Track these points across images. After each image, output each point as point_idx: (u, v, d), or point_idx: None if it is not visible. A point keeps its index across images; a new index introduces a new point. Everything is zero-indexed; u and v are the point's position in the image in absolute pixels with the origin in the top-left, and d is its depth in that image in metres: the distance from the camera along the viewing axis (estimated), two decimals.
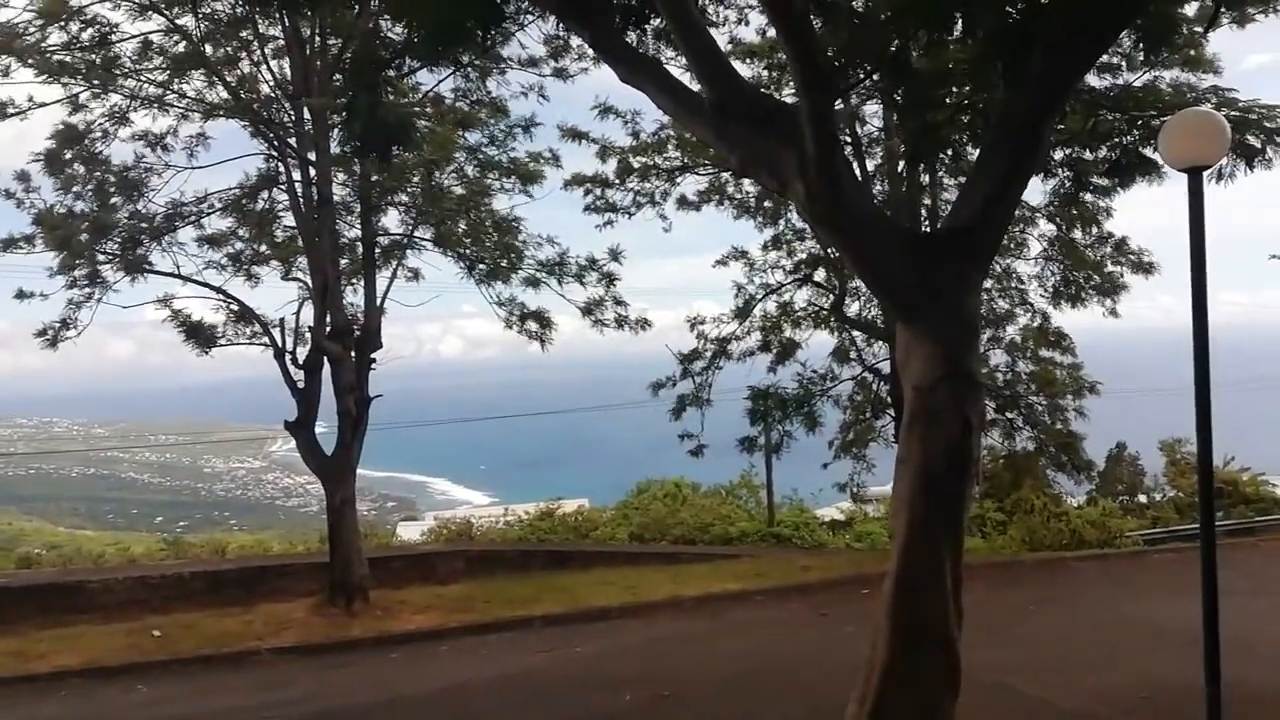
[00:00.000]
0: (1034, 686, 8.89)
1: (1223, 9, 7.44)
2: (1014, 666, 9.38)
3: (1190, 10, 8.96)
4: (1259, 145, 8.81)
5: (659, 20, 6.78)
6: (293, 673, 11.34)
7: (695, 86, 6.36)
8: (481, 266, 15.18)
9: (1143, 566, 16.72)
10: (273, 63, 14.27)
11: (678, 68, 8.71)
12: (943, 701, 5.49)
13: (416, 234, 15.18)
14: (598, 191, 17.62)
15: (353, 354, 14.10)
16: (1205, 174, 6.32)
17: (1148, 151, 9.18)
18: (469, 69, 14.39)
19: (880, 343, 18.06)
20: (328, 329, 13.82)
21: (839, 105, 14.38)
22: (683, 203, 18.16)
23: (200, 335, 14.40)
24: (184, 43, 13.50)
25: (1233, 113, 8.91)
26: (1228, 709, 5.83)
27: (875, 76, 8.16)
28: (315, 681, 10.96)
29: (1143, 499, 24.08)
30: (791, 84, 10.35)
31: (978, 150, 7.33)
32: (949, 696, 5.49)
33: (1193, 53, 12.70)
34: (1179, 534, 19.66)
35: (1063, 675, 9.35)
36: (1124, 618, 12.16)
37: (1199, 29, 9.77)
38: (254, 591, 14.70)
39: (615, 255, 15.45)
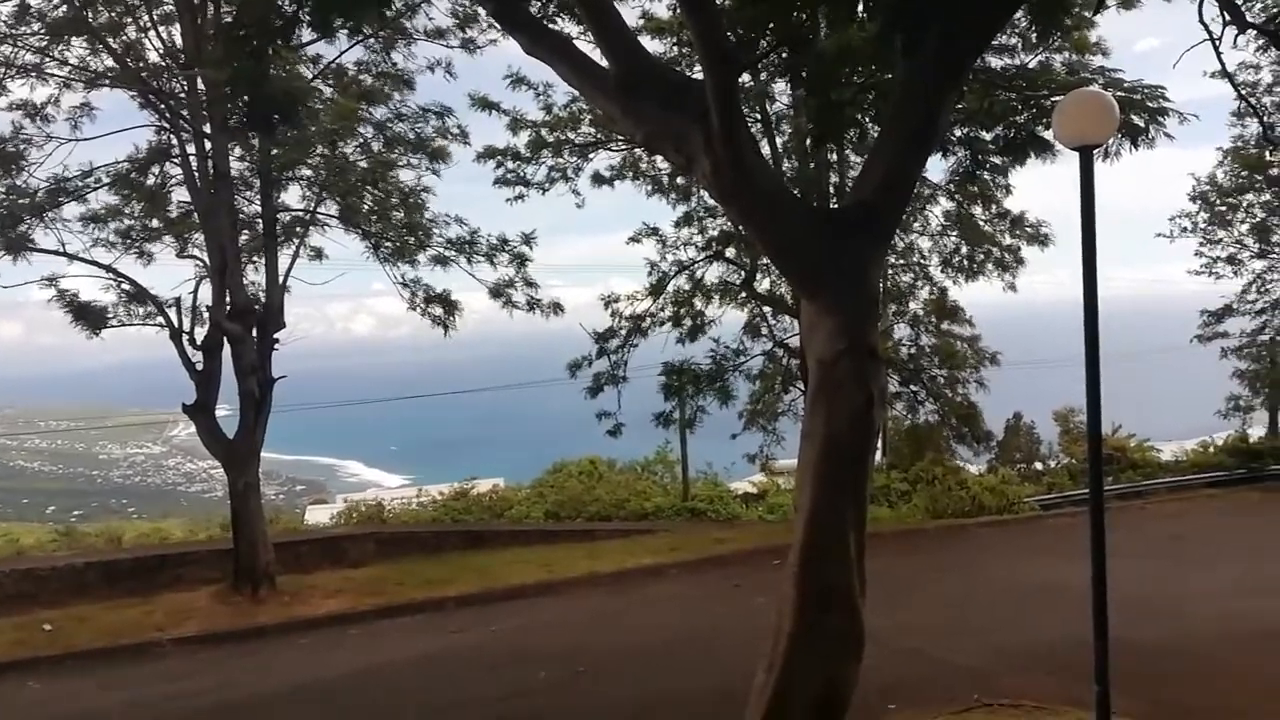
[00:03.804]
0: (936, 648, 9.25)
1: None
2: (917, 629, 9.74)
3: None
4: (1143, 125, 9.17)
5: None
6: (197, 663, 11.01)
7: (603, 62, 6.29)
8: (387, 245, 14.85)
9: (1039, 531, 17.51)
10: (162, 29, 13.59)
11: (586, 43, 8.61)
12: (847, 666, 5.64)
13: (319, 210, 14.74)
14: (509, 164, 17.35)
15: (254, 334, 13.66)
16: (1095, 152, 6.56)
17: (1041, 130, 9.48)
18: (372, 39, 13.98)
19: (789, 317, 18.33)
20: (227, 308, 13.35)
21: (747, 82, 14.49)
22: (596, 179, 18.03)
23: (89, 316, 13.69)
24: (64, 7, 12.75)
25: (1119, 93, 9.26)
26: (1114, 661, 6.14)
27: (780, 53, 8.23)
28: (221, 671, 10.67)
29: (1039, 466, 25.14)
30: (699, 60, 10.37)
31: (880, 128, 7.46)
32: (853, 661, 5.65)
33: (1077, 35, 13.15)
34: (1072, 499, 20.59)
35: (964, 636, 9.74)
36: (1021, 580, 12.72)
37: (1088, 13, 10.12)
38: (154, 581, 14.15)
39: (528, 239, 15.27)
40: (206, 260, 13.74)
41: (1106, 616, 6.20)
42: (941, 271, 18.61)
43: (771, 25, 6.99)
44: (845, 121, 8.87)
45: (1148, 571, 12.01)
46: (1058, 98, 7.38)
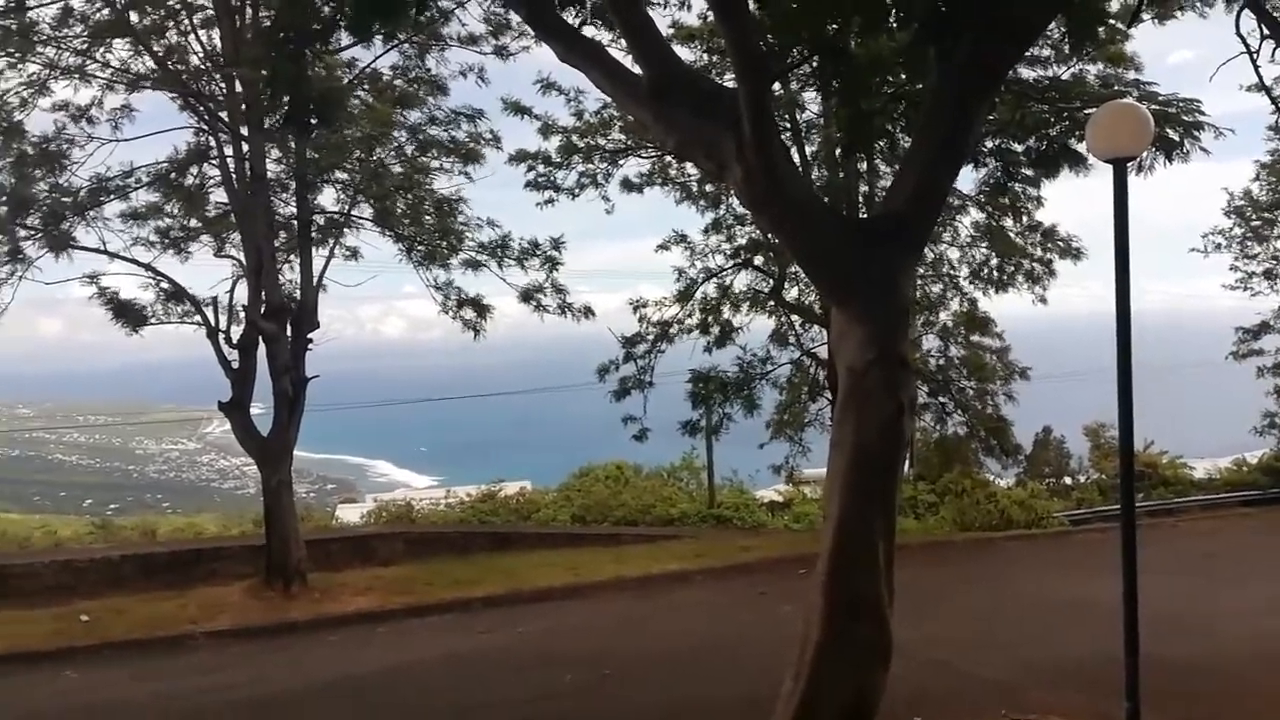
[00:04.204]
0: (964, 661, 9.18)
1: (1144, 4, 7.68)
2: (944, 642, 9.66)
3: (1115, 6, 9.23)
4: (1178, 139, 9.11)
5: None
6: (229, 656, 11.17)
7: (637, 69, 6.36)
8: (420, 248, 15.01)
9: (1068, 546, 17.30)
10: (201, 33, 13.86)
11: (619, 50, 8.70)
12: (875, 676, 5.64)
13: (354, 212, 14.94)
14: (540, 168, 17.49)
15: (289, 333, 13.86)
16: (1128, 165, 6.53)
17: (1074, 143, 9.43)
18: (406, 45, 14.17)
19: (817, 327, 18.29)
20: (263, 308, 13.55)
21: (778, 90, 14.52)
22: (626, 185, 18.12)
23: (129, 314, 13.97)
24: (106, 9, 13.05)
25: (1153, 106, 9.20)
26: (1145, 678, 6.10)
27: (812, 62, 8.25)
28: (253, 665, 10.83)
29: (1068, 481, 24.85)
30: (730, 68, 10.41)
31: (911, 139, 7.47)
32: (881, 671, 5.65)
33: (1115, 49, 13.07)
34: (1102, 514, 20.33)
35: (991, 650, 9.66)
36: (1050, 595, 12.58)
37: (1122, 25, 10.05)
38: (188, 575, 14.42)
39: (556, 244, 15.34)
40: (243, 260, 13.97)
41: (1137, 633, 6.17)
42: (971, 283, 18.48)
43: (803, 34, 7.02)
44: (875, 131, 8.89)
45: (1179, 589, 11.83)
46: (1091, 110, 7.36)
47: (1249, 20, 7.88)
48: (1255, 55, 8.18)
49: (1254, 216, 22.92)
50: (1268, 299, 23.24)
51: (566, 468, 24.96)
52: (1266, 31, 7.67)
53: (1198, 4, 7.38)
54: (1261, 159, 22.25)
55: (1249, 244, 23.20)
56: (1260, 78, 9.00)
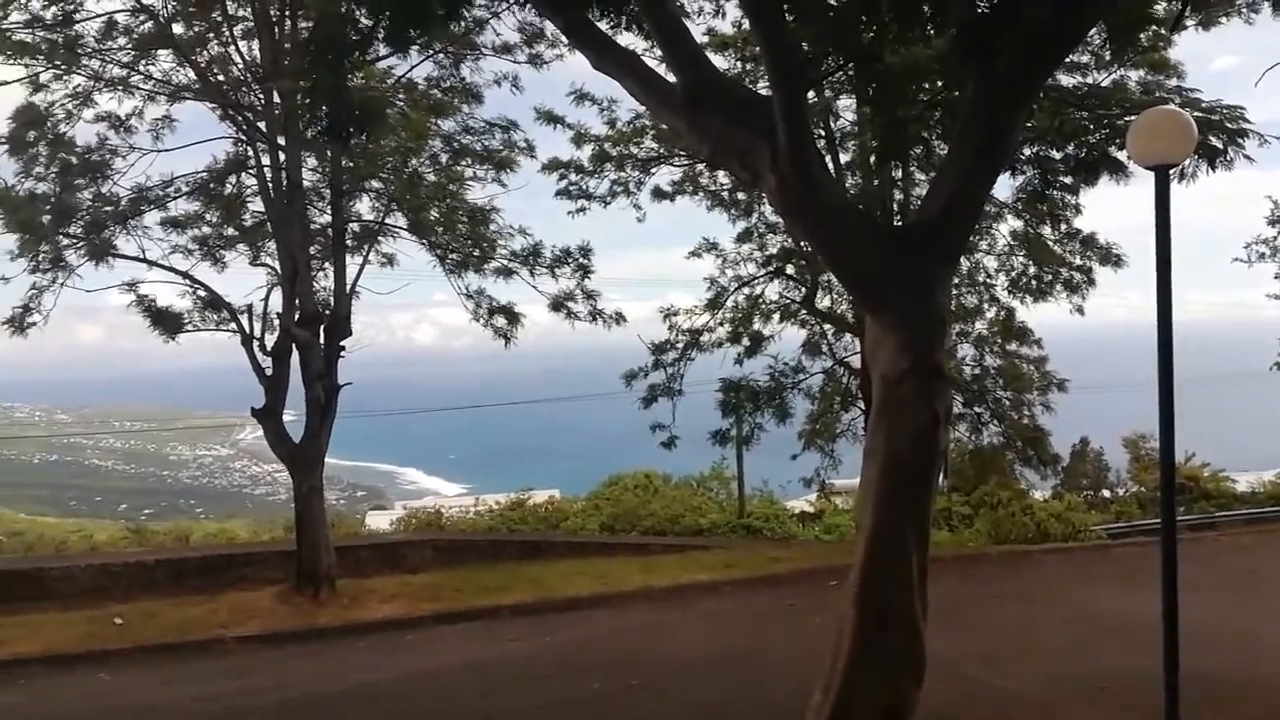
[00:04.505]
0: (998, 676, 9.02)
1: (1188, 10, 7.55)
2: (978, 656, 9.51)
3: (1159, 10, 9.08)
4: (1220, 146, 8.93)
5: (633, 6, 6.76)
6: (259, 661, 11.25)
7: (671, 77, 6.34)
8: (453, 256, 15.09)
9: (1106, 560, 16.99)
10: (241, 44, 14.06)
11: (653, 59, 8.69)
12: (907, 689, 5.55)
13: (389, 221, 15.06)
14: (573, 176, 17.54)
15: (322, 341, 13.97)
16: (1170, 173, 6.41)
17: (1113, 150, 9.29)
18: (441, 54, 14.27)
19: (850, 335, 18.15)
20: (297, 315, 13.68)
21: (813, 98, 14.44)
22: (657, 193, 18.13)
23: (167, 321, 14.17)
24: (150, 22, 13.27)
25: (1196, 113, 9.02)
26: (1184, 694, 5.95)
27: (847, 69, 8.20)
28: (281, 670, 10.89)
29: (1106, 494, 24.46)
30: (765, 76, 10.38)
31: (947, 146, 7.38)
32: (913, 685, 5.56)
33: (1157, 55, 12.86)
34: (1141, 528, 20.00)
35: (1026, 665, 9.49)
36: (1087, 609, 12.35)
37: (1165, 30, 9.90)
38: (219, 580, 14.56)
39: (585, 253, 15.34)
40: (278, 268, 14.12)
41: (1178, 651, 6.03)
42: (1008, 292, 18.23)
43: (839, 40, 6.98)
44: (911, 139, 8.81)
45: (1219, 604, 11.57)
46: (1131, 117, 7.24)
47: None
48: None
49: None
50: None
51: (596, 476, 24.96)
52: None
53: (1244, 10, 7.23)
54: None
55: None
56: None
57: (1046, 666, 9.40)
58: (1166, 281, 6.24)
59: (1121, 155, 9.27)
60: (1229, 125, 9.30)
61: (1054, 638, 10.81)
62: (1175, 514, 6.56)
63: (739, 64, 16.38)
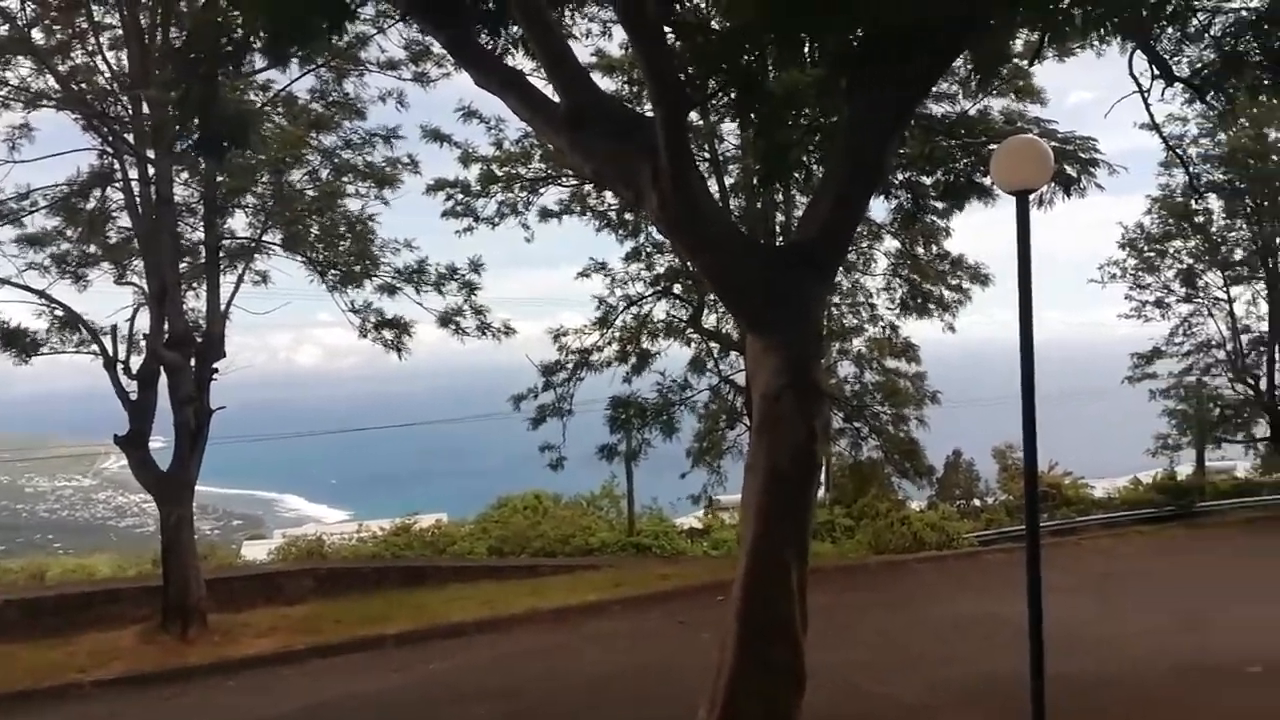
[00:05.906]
0: (877, 683, 9.28)
1: (1046, 44, 8.03)
2: (858, 664, 9.77)
3: (1019, 45, 9.65)
4: (1075, 175, 9.51)
5: (518, 27, 6.75)
6: (120, 706, 10.59)
7: (556, 98, 6.35)
8: (334, 272, 14.68)
9: (977, 566, 17.72)
10: (109, 53, 13.39)
11: (539, 79, 8.71)
12: (790, 700, 5.64)
13: (265, 237, 14.54)
14: (459, 196, 17.34)
15: (193, 364, 13.34)
16: (1030, 198, 6.78)
17: (979, 176, 9.77)
18: (324, 69, 13.92)
19: (735, 353, 18.47)
20: (165, 337, 13.03)
21: (697, 121, 14.70)
22: (545, 213, 18.09)
23: (19, 342, 13.26)
24: (6, 26, 12.50)
25: (1053, 143, 9.60)
26: (1052, 695, 6.23)
27: (729, 93, 8.39)
28: (146, 714, 10.30)
29: (977, 503, 25.54)
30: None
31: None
32: (795, 695, 5.66)
33: (1021, 83, 13.66)
34: (1009, 535, 20.90)
35: (904, 671, 9.80)
36: (960, 615, 12.85)
37: (1025, 62, 10.51)
38: (78, 620, 13.62)
39: (475, 267, 15.19)
40: (145, 287, 13.43)
41: (1043, 654, 6.32)
42: (889, 309, 18.96)
43: (721, 65, 7.13)
44: (792, 163, 9.05)
45: (1083, 607, 12.23)
46: (994, 145, 7.63)
47: (1141, 61, 8.31)
48: (1146, 94, 8.62)
49: (1146, 249, 24.08)
50: (1159, 326, 24.43)
51: (483, 499, 24.57)
52: (1157, 72, 8.09)
53: (1094, 44, 7.76)
54: (1152, 193, 23.48)
55: (1141, 274, 24.34)
56: (1151, 116, 9.51)
57: (925, 672, 9.72)
58: (1028, 300, 6.57)
59: (986, 181, 9.77)
60: (1082, 155, 9.93)
61: (931, 644, 11.20)
62: (1039, 520, 6.89)
63: (626, 86, 16.55)
